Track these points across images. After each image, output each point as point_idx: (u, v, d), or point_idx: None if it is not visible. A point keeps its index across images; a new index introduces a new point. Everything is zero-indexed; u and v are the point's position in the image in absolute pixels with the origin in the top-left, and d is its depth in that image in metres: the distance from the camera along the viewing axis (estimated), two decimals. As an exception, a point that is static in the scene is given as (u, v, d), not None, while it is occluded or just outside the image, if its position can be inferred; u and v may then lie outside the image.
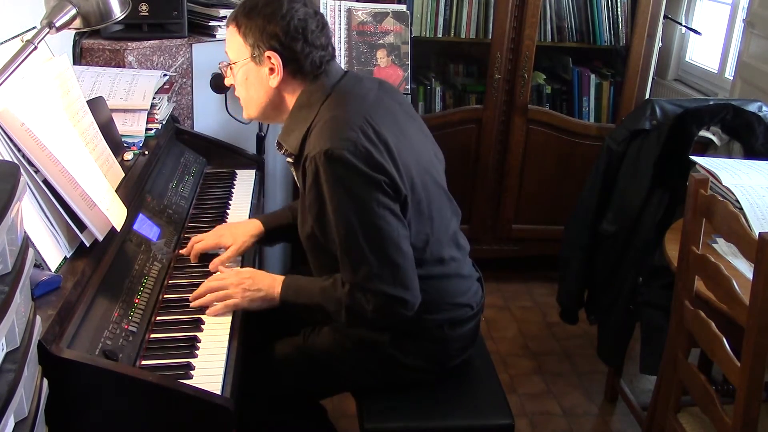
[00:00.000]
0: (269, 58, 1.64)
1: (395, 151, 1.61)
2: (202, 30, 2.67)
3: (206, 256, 1.87)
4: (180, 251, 1.88)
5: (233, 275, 1.71)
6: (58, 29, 1.61)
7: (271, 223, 1.96)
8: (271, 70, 1.66)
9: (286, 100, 1.71)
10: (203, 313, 1.65)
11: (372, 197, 1.55)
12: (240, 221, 2.01)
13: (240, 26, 1.66)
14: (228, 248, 1.87)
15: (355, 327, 1.71)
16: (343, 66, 2.65)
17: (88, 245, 1.53)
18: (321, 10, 2.60)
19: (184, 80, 2.63)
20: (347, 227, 1.56)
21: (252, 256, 1.95)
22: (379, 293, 1.58)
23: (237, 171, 2.39)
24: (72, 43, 2.42)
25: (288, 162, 1.74)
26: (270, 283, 1.71)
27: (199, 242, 1.87)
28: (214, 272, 1.79)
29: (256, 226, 1.93)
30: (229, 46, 1.72)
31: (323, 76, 1.68)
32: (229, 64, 1.73)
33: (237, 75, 1.72)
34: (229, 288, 1.68)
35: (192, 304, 1.67)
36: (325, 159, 1.53)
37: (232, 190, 2.28)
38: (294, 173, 1.77)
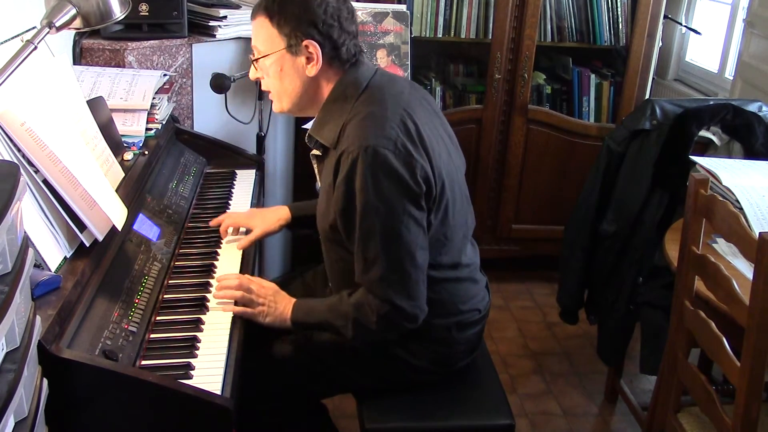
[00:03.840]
0: (307, 47, 1.61)
1: (431, 150, 1.61)
2: (202, 30, 2.67)
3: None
4: (179, 250, 1.88)
5: (256, 284, 1.73)
6: (58, 29, 1.61)
7: (299, 210, 2.01)
8: (308, 59, 1.62)
9: (321, 90, 1.68)
10: (203, 313, 1.65)
11: (400, 203, 1.55)
12: (270, 207, 2.08)
13: (272, 16, 1.62)
14: (254, 229, 1.94)
15: (361, 341, 1.71)
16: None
17: (88, 245, 1.53)
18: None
19: (184, 80, 2.63)
20: (369, 227, 1.56)
21: (252, 257, 1.96)
22: (385, 300, 1.59)
23: (237, 171, 2.39)
24: (72, 43, 2.42)
25: (313, 155, 1.73)
26: (285, 304, 1.73)
27: (229, 217, 1.96)
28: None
29: (285, 212, 2.00)
30: (258, 38, 1.66)
31: (356, 67, 1.67)
32: (258, 57, 1.68)
33: (270, 67, 1.67)
34: (255, 297, 1.70)
35: (216, 291, 1.70)
36: (365, 155, 1.52)
37: (232, 190, 2.28)
38: (316, 167, 1.76)
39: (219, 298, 1.69)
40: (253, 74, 1.73)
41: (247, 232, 1.99)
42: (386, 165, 1.53)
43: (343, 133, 1.61)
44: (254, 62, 1.70)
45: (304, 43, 1.61)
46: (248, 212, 2.04)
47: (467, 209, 1.79)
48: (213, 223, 1.99)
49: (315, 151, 1.71)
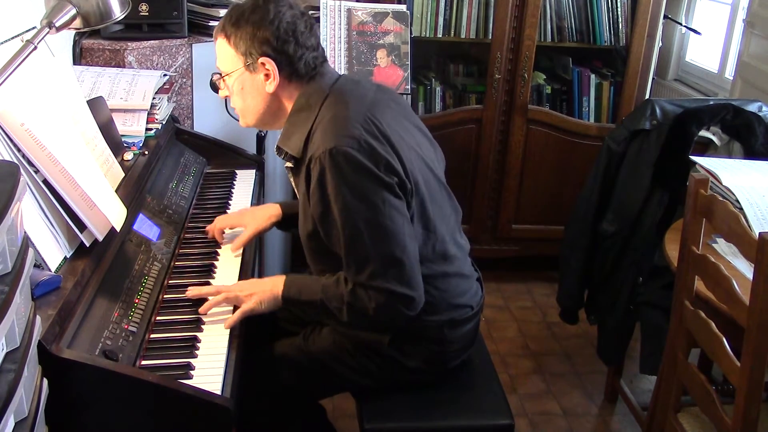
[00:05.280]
0: (263, 64, 1.63)
1: (398, 147, 1.61)
2: (202, 30, 2.67)
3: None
4: (179, 250, 1.88)
5: (233, 287, 1.72)
6: (58, 29, 1.61)
7: (290, 208, 2.00)
8: (267, 75, 1.65)
9: (284, 105, 1.70)
10: (203, 314, 1.65)
11: (378, 195, 1.55)
12: (261, 205, 2.08)
13: (229, 36, 1.66)
14: (246, 228, 1.94)
15: (356, 325, 1.70)
16: (343, 66, 2.65)
17: (88, 245, 1.53)
18: (321, 10, 2.63)
19: (184, 80, 2.63)
20: (352, 226, 1.55)
21: (252, 257, 1.96)
22: (382, 290, 1.58)
23: (237, 171, 2.39)
24: (72, 43, 2.42)
25: (287, 167, 1.73)
26: (273, 282, 1.71)
27: (220, 219, 1.96)
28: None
29: (275, 209, 1.99)
30: (220, 58, 1.71)
31: (318, 77, 1.68)
32: (223, 76, 1.72)
33: (232, 85, 1.71)
34: (238, 294, 1.68)
35: (201, 310, 1.65)
36: (330, 157, 1.53)
37: (232, 190, 2.28)
38: (292, 180, 1.77)
39: (210, 313, 1.66)
40: (221, 93, 1.77)
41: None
42: (352, 161, 1.53)
43: (310, 141, 1.62)
44: (218, 81, 1.75)
45: (260, 60, 1.63)
46: (239, 212, 2.04)
47: (448, 202, 1.78)
48: (208, 231, 1.97)
49: (288, 164, 1.72)
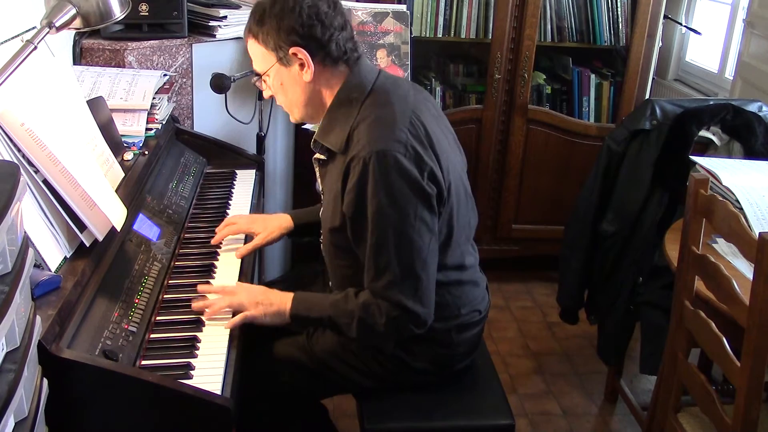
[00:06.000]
0: (295, 54, 1.61)
1: (439, 151, 1.61)
2: (202, 30, 2.67)
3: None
4: (179, 250, 1.88)
5: (244, 291, 1.71)
6: (58, 29, 1.61)
7: (301, 218, 2.00)
8: (301, 65, 1.63)
9: (324, 94, 1.68)
10: (203, 313, 1.65)
11: (413, 206, 1.55)
12: (273, 214, 2.07)
13: (257, 35, 1.64)
14: (257, 236, 1.93)
15: (364, 341, 1.70)
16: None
17: (88, 245, 1.53)
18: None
19: (184, 80, 2.63)
20: (381, 233, 1.55)
21: (252, 257, 1.95)
22: (395, 303, 1.58)
23: (237, 171, 2.39)
24: (72, 43, 2.42)
25: (316, 159, 1.72)
26: (281, 298, 1.70)
27: (233, 225, 1.95)
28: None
29: (287, 220, 1.99)
30: (255, 60, 1.69)
31: (357, 67, 1.66)
32: (261, 77, 1.70)
33: (272, 84, 1.69)
34: (243, 302, 1.67)
35: (205, 315, 1.64)
36: (377, 160, 1.52)
37: (232, 190, 2.28)
38: (318, 171, 1.75)
39: (211, 318, 1.65)
40: (265, 93, 1.75)
41: (247, 238, 1.97)
42: (398, 166, 1.52)
43: (352, 137, 1.60)
44: (259, 83, 1.73)
45: (291, 51, 1.61)
46: (250, 218, 2.01)
47: (471, 209, 1.79)
48: (216, 240, 1.94)
49: (319, 155, 1.71)
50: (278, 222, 1.98)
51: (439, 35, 3.21)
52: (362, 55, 1.71)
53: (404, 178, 1.53)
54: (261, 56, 1.67)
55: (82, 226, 1.52)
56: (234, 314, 1.66)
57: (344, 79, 1.66)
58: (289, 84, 1.67)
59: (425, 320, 1.61)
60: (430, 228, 1.58)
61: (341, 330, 1.66)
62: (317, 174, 1.77)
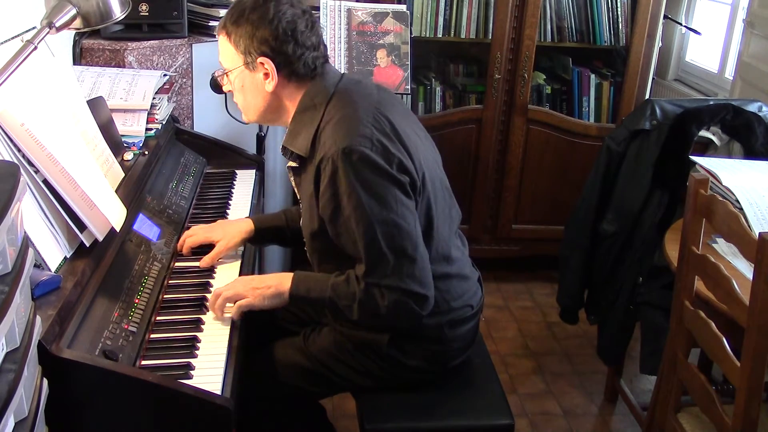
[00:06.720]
0: (262, 63, 1.63)
1: (408, 145, 1.62)
2: (202, 30, 2.67)
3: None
4: (177, 245, 1.88)
5: (239, 281, 1.71)
6: (58, 29, 1.61)
7: (262, 223, 1.96)
8: (266, 75, 1.65)
9: (285, 104, 1.70)
10: (203, 313, 1.65)
11: (390, 193, 1.56)
12: (234, 219, 2.03)
13: (230, 34, 1.65)
14: (216, 244, 1.86)
15: (366, 323, 1.69)
16: (343, 66, 2.65)
17: (88, 245, 1.53)
18: (321, 10, 2.63)
19: (184, 80, 2.63)
20: (366, 225, 1.55)
21: (252, 257, 1.95)
22: (395, 288, 1.58)
23: (237, 171, 2.39)
24: (72, 43, 2.42)
25: (290, 167, 1.73)
26: (278, 278, 1.70)
27: (191, 237, 1.88)
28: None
29: (247, 225, 1.94)
30: (222, 55, 1.71)
31: (320, 77, 1.68)
32: (225, 72, 1.72)
33: (233, 82, 1.71)
34: (239, 290, 1.67)
35: (211, 311, 1.65)
36: (344, 156, 1.53)
37: (232, 190, 2.28)
38: (293, 180, 1.76)
39: (217, 314, 1.65)
40: (225, 88, 1.77)
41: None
42: (367, 160, 1.54)
43: (318, 140, 1.62)
44: (221, 77, 1.75)
45: (259, 60, 1.63)
46: (208, 227, 1.93)
47: (450, 202, 1.79)
48: (178, 247, 1.88)
49: (291, 163, 1.71)
50: (238, 227, 1.92)
51: (439, 35, 3.21)
52: (327, 60, 1.71)
53: (375, 171, 1.54)
54: (229, 55, 1.68)
55: (82, 226, 1.52)
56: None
57: (305, 88, 1.68)
58: (250, 88, 1.69)
59: (426, 298, 1.61)
60: (412, 211, 1.59)
61: (341, 312, 1.65)
62: (293, 183, 1.77)
